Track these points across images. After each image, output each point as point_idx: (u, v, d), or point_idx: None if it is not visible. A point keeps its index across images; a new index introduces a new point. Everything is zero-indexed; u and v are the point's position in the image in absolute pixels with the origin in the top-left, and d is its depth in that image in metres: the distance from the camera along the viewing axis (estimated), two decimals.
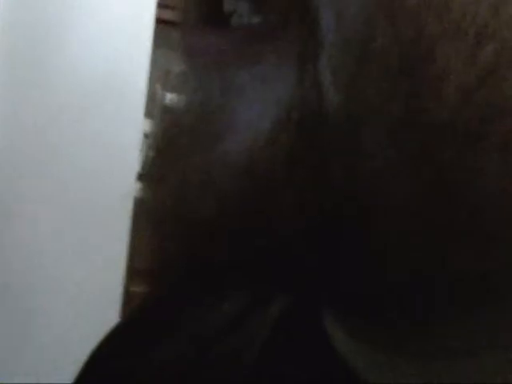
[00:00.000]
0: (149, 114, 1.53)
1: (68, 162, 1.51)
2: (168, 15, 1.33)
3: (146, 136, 0.24)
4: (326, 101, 0.21)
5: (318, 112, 0.21)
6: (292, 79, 0.22)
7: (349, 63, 0.21)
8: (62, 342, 1.47)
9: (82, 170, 1.51)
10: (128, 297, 1.56)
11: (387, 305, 0.23)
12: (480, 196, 0.21)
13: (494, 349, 0.23)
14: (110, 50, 1.55)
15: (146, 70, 1.55)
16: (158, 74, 1.44)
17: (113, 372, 0.34)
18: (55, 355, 1.44)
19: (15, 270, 1.48)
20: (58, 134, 1.52)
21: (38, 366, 1.44)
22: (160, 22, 1.54)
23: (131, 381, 0.33)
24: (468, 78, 0.20)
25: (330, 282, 0.23)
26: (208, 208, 0.22)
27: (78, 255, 1.51)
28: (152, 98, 1.55)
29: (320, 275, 0.23)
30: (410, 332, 0.24)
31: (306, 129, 0.21)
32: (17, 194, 1.49)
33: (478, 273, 0.22)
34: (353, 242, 0.22)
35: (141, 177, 0.24)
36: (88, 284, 1.51)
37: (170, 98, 0.24)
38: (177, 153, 0.23)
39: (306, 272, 0.23)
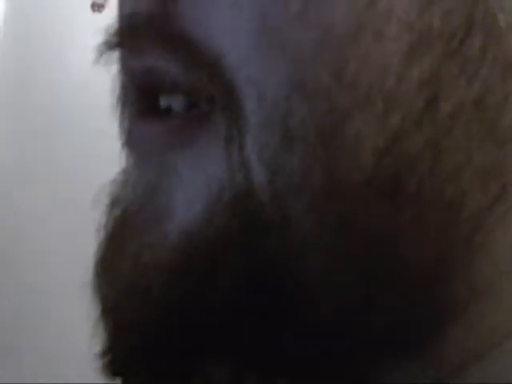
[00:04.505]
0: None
1: None
2: None
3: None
4: (252, 179, 0.23)
5: (246, 191, 0.23)
6: (220, 161, 0.23)
7: (272, 141, 0.23)
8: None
9: None
10: None
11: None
12: (396, 250, 0.23)
13: None
14: None
15: None
16: None
17: None
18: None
19: None
20: None
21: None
22: None
23: None
24: (379, 142, 0.22)
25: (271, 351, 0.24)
26: (157, 286, 0.24)
27: None
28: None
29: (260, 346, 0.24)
30: None
31: (237, 209, 0.23)
32: None
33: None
34: (286, 310, 0.23)
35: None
36: None
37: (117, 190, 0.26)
38: (128, 236, 0.25)
39: (247, 343, 0.24)
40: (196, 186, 0.24)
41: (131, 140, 0.26)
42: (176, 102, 0.25)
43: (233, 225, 0.23)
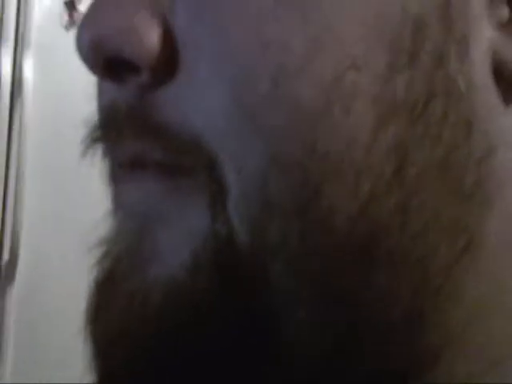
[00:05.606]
0: None
1: None
2: None
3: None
4: (234, 237, 0.24)
5: (230, 247, 0.24)
6: (205, 213, 0.25)
7: (252, 209, 0.24)
8: None
9: None
10: None
11: None
12: (371, 304, 0.24)
13: None
14: None
15: None
16: None
17: None
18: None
19: None
20: None
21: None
22: None
23: None
24: (352, 209, 0.24)
25: None
26: (149, 326, 0.25)
27: None
28: None
29: None
30: None
31: (221, 260, 0.24)
32: None
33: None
34: (268, 363, 0.24)
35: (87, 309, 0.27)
36: None
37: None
38: (118, 280, 0.26)
39: None
40: (181, 232, 0.25)
41: (116, 193, 0.27)
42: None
43: (216, 278, 0.24)
